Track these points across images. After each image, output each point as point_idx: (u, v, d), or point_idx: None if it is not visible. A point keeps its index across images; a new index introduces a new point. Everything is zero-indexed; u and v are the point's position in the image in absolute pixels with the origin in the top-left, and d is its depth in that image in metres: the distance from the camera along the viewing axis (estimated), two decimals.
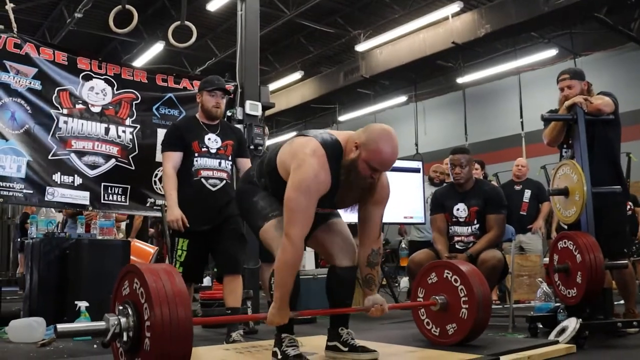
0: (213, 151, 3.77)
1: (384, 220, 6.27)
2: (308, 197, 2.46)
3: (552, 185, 3.77)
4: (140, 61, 12.23)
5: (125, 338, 2.07)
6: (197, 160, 3.72)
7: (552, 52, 12.00)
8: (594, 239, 3.42)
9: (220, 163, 3.77)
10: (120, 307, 2.13)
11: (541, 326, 3.76)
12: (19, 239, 9.24)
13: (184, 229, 3.64)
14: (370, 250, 2.76)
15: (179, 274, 2.17)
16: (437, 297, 3.10)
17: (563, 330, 3.21)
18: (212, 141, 3.79)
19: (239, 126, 4.74)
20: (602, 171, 3.69)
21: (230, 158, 3.85)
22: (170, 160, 3.72)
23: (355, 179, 2.54)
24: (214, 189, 3.72)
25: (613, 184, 3.69)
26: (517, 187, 6.75)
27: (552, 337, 3.25)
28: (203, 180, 3.71)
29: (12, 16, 4.36)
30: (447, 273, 3.11)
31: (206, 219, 3.69)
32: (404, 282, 7.86)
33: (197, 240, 3.70)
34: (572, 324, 3.19)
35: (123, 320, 2.07)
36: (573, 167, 3.57)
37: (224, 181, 3.77)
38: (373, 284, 2.78)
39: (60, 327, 2.09)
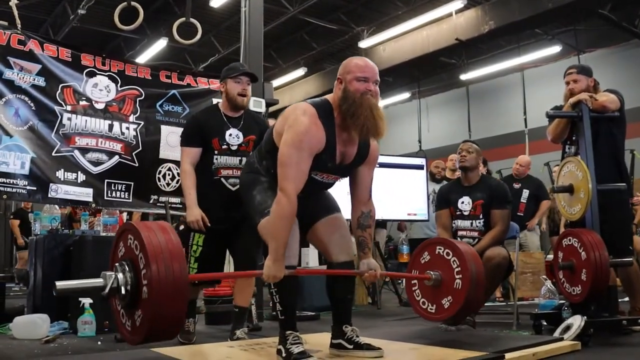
0: (234, 148, 3.57)
1: (388, 217, 6.40)
2: (300, 152, 2.53)
3: (557, 183, 3.75)
4: (144, 57, 12.23)
5: (123, 292, 2.12)
6: (217, 159, 3.54)
7: (555, 49, 11.98)
8: (599, 236, 3.41)
9: (241, 161, 3.54)
10: (117, 265, 2.17)
11: (545, 324, 3.75)
12: None
13: (205, 229, 3.49)
14: (360, 213, 2.81)
15: (174, 230, 2.18)
16: (431, 272, 3.12)
17: (568, 328, 3.20)
18: (234, 137, 3.58)
19: None
20: (606, 168, 3.68)
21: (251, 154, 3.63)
22: (189, 157, 3.55)
23: (355, 124, 2.57)
24: (233, 189, 3.51)
25: (616, 181, 3.68)
26: (516, 186, 6.64)
27: (557, 334, 3.24)
28: (223, 179, 3.54)
29: (16, 13, 4.36)
30: (439, 249, 3.15)
31: (224, 218, 3.52)
32: None
33: (213, 237, 3.53)
34: (577, 321, 3.18)
35: (120, 276, 2.12)
36: (578, 164, 3.56)
37: None
38: (366, 247, 2.82)
39: (60, 284, 2.14)
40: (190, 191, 3.51)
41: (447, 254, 3.10)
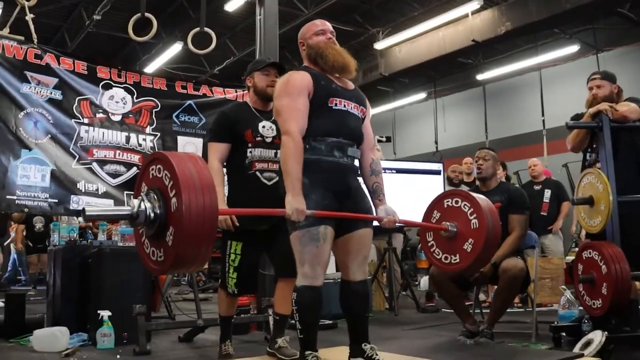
0: (269, 140, 3.33)
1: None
2: (289, 95, 2.73)
3: (577, 194, 3.71)
4: (159, 61, 12.27)
5: (152, 216, 2.11)
6: (251, 151, 3.30)
7: (574, 48, 11.82)
8: (619, 249, 3.37)
9: (276, 154, 3.26)
10: (144, 193, 2.18)
11: (565, 335, 3.71)
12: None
13: (234, 228, 3.20)
14: (371, 159, 2.97)
15: (203, 160, 2.19)
16: (447, 223, 3.04)
17: (588, 343, 3.16)
18: (267, 129, 3.36)
19: None
20: (628, 178, 3.62)
21: None
22: (217, 152, 3.30)
23: (326, 62, 2.86)
24: (269, 183, 3.26)
25: (638, 192, 3.62)
26: (537, 187, 6.76)
27: (577, 349, 3.20)
28: (258, 173, 3.29)
29: (32, 27, 4.39)
30: (447, 202, 3.11)
31: (262, 217, 3.24)
32: (424, 281, 7.82)
33: (251, 242, 3.29)
34: (597, 337, 3.15)
35: (148, 205, 2.12)
36: (598, 176, 3.52)
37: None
38: (381, 192, 2.93)
39: (89, 210, 2.21)
40: (219, 189, 3.15)
41: (456, 202, 3.05)
